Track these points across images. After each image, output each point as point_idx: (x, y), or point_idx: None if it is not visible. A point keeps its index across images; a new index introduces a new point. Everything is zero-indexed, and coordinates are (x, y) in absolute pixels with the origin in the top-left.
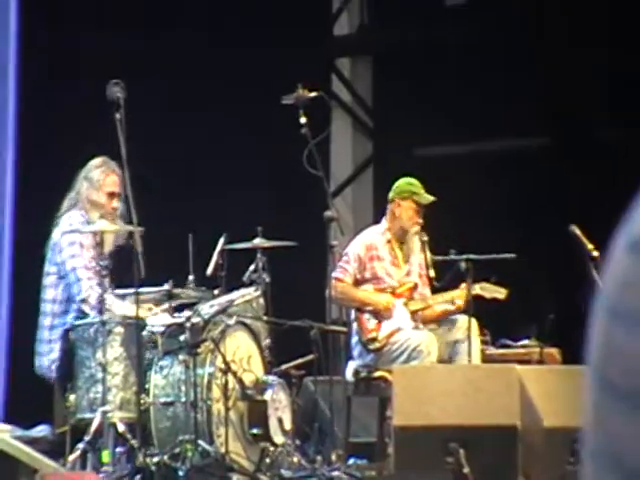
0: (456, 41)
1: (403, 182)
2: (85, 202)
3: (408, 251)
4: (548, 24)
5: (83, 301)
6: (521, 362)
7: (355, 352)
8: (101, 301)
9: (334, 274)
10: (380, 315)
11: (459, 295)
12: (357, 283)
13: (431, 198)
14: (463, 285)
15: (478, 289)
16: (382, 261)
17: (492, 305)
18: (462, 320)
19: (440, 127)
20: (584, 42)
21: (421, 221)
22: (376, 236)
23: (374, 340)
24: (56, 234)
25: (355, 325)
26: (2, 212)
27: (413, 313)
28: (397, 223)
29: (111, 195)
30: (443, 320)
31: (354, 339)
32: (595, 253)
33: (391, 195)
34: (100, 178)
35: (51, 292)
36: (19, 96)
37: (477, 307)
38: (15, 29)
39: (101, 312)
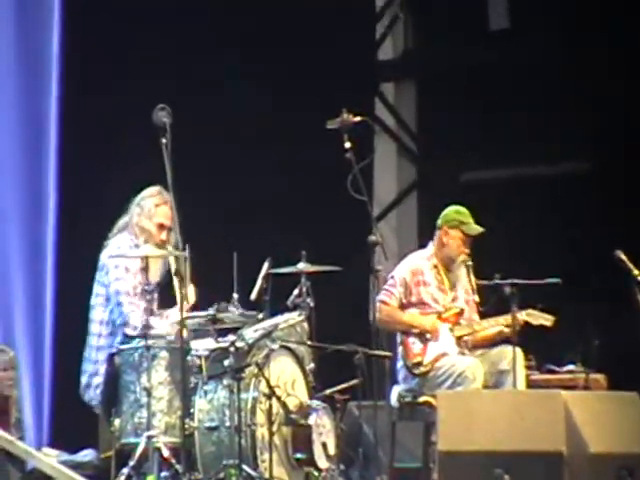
0: (500, 65)
1: (452, 210)
2: (135, 228)
3: (454, 278)
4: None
5: (125, 324)
6: (566, 388)
7: (400, 376)
8: (145, 325)
9: (380, 297)
10: (426, 339)
11: (509, 319)
12: (402, 307)
13: (480, 229)
14: (515, 310)
15: (525, 315)
16: (428, 286)
17: (538, 330)
18: (508, 350)
19: (485, 152)
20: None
21: (468, 251)
22: (422, 261)
23: (419, 364)
24: (104, 256)
25: (400, 349)
26: (45, 232)
27: (459, 338)
28: (444, 251)
29: (161, 227)
30: (488, 349)
31: (399, 363)
32: None
33: (439, 222)
34: (152, 208)
35: (99, 313)
36: (61, 115)
37: (523, 332)
38: (58, 48)
39: (145, 336)
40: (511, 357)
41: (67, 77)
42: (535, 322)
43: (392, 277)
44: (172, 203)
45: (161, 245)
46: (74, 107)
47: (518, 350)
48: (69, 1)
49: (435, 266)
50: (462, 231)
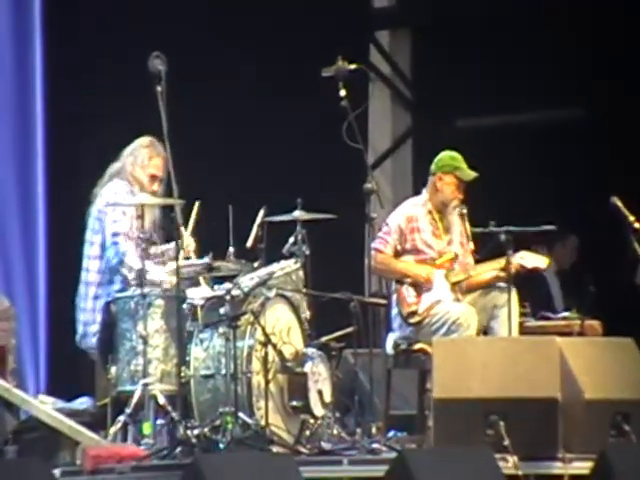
0: (496, 13)
1: (446, 156)
2: (129, 175)
3: (449, 223)
4: None
5: (121, 263)
6: (561, 334)
7: (395, 324)
8: (141, 270)
9: (374, 245)
10: (420, 287)
11: (503, 263)
12: (397, 254)
13: (473, 174)
14: (510, 252)
15: (519, 258)
16: (423, 232)
17: (533, 278)
18: (501, 287)
19: (480, 99)
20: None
21: (462, 196)
22: (416, 208)
23: (414, 313)
24: (100, 203)
25: (395, 297)
26: (35, 182)
27: (454, 284)
28: (438, 196)
29: (153, 177)
30: (484, 290)
31: (394, 311)
32: (637, 225)
33: (433, 168)
34: (145, 158)
35: (95, 262)
36: (46, 65)
37: (518, 279)
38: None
39: (141, 283)
40: (506, 293)
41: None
42: (529, 265)
43: (386, 224)
44: (167, 152)
45: (152, 195)
46: (60, 55)
47: (512, 289)
48: None
49: (429, 212)
50: (456, 176)
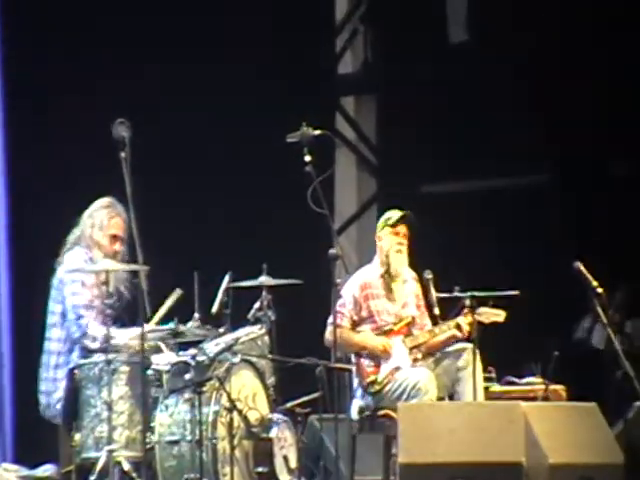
0: (461, 78)
1: (381, 219)
2: (88, 240)
3: (401, 285)
4: (550, 59)
5: (84, 336)
6: (526, 399)
7: (357, 393)
8: (106, 337)
9: (331, 320)
10: (378, 357)
11: (463, 320)
12: (355, 324)
13: (399, 213)
14: (465, 310)
15: (476, 316)
16: (377, 299)
17: (497, 342)
18: (463, 347)
19: (445, 165)
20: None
21: (403, 240)
22: (369, 274)
23: (374, 383)
24: (60, 272)
25: (354, 369)
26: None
27: (412, 348)
28: (383, 254)
29: (114, 238)
30: (446, 350)
31: (355, 381)
32: (599, 290)
33: (375, 237)
34: (105, 219)
35: (56, 331)
36: (8, 126)
37: (482, 343)
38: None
39: (105, 350)
40: (468, 355)
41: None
42: (487, 320)
43: (341, 296)
44: (132, 217)
45: (115, 256)
46: (22, 119)
47: (476, 350)
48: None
49: (381, 276)
50: (389, 225)
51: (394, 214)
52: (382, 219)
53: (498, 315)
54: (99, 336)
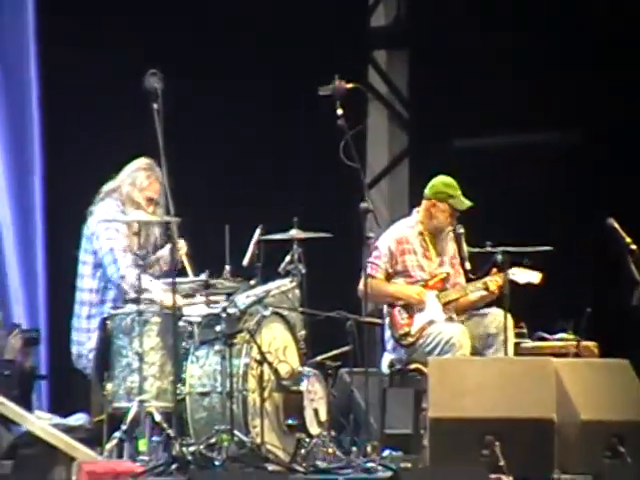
0: (494, 32)
1: (441, 182)
2: (124, 197)
3: (440, 245)
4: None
5: (122, 278)
6: (558, 355)
7: (389, 346)
8: (139, 290)
9: (365, 270)
10: (412, 309)
11: (492, 280)
12: (389, 277)
13: (468, 203)
14: (494, 270)
15: (510, 275)
16: (413, 254)
17: (529, 298)
18: (496, 313)
19: (477, 119)
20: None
21: (455, 222)
22: (407, 229)
23: (407, 335)
24: (92, 222)
25: (387, 320)
26: (33, 200)
27: (446, 304)
28: (432, 222)
29: (150, 200)
30: (477, 312)
31: (387, 334)
32: (633, 246)
33: (428, 193)
34: (144, 181)
35: (88, 281)
36: (43, 83)
37: (514, 299)
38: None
39: (138, 300)
40: (499, 320)
41: (48, 37)
42: (522, 281)
43: (377, 248)
44: (164, 170)
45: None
46: (57, 70)
47: (508, 315)
48: None
49: (420, 233)
50: (450, 204)
51: (460, 196)
52: (444, 187)
53: (534, 277)
54: (135, 283)
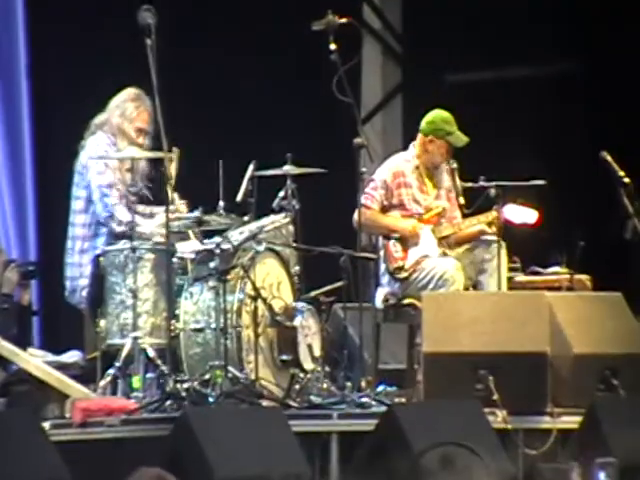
0: None
1: (439, 118)
2: (114, 129)
3: (436, 179)
4: None
5: (110, 217)
6: (551, 289)
7: (383, 280)
8: (131, 223)
9: (361, 201)
10: (407, 242)
11: (487, 217)
12: (384, 210)
13: (465, 140)
14: (493, 208)
15: (506, 213)
16: (409, 188)
17: (522, 231)
18: (490, 240)
19: (470, 53)
20: None
21: (451, 158)
22: (403, 163)
23: (401, 269)
24: (83, 157)
25: (382, 253)
26: (22, 137)
27: (441, 239)
28: (428, 157)
29: (140, 131)
30: (474, 242)
31: (382, 267)
32: (626, 180)
33: (425, 128)
34: (133, 111)
35: (81, 217)
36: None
37: (507, 234)
38: None
39: (131, 236)
40: (494, 247)
41: None
42: (517, 221)
43: (372, 180)
44: (157, 106)
45: (140, 148)
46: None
47: (502, 245)
48: None
49: (417, 167)
50: (447, 141)
51: (458, 133)
52: (442, 124)
53: (529, 216)
54: (124, 220)
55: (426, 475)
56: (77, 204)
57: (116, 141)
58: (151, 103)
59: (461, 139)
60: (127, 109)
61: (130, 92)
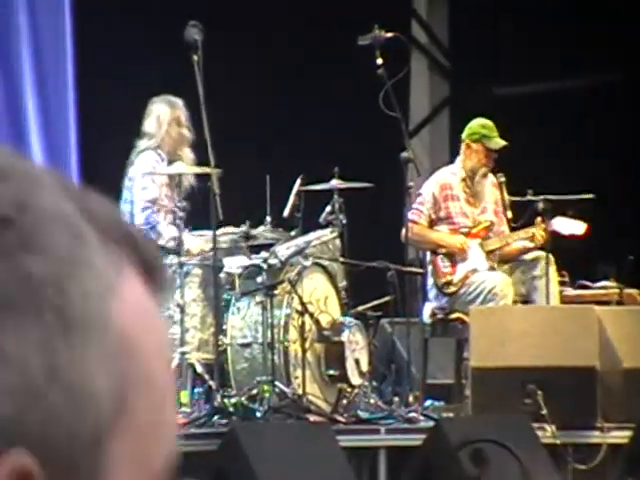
0: None
1: (476, 124)
2: (159, 143)
3: (482, 191)
4: None
5: (151, 228)
6: (600, 303)
7: (431, 295)
8: (177, 240)
9: (409, 216)
10: (455, 257)
11: (535, 230)
12: (432, 224)
13: (502, 143)
14: (538, 219)
15: (554, 225)
16: (457, 200)
17: (571, 245)
18: (539, 257)
19: (517, 66)
20: None
21: (491, 164)
22: (450, 175)
23: (449, 284)
24: (131, 171)
25: (430, 268)
26: (69, 154)
27: (489, 253)
28: (467, 164)
29: (183, 143)
30: (521, 259)
31: (429, 282)
32: None
33: (463, 135)
34: (175, 123)
35: None
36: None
37: (555, 247)
38: None
39: (178, 252)
40: (543, 264)
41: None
42: (566, 232)
43: (420, 194)
44: (204, 121)
45: (184, 162)
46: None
47: (551, 257)
48: None
49: (463, 179)
50: (484, 145)
51: (495, 136)
52: (479, 128)
53: (578, 228)
54: (165, 233)
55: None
56: (125, 206)
57: (164, 157)
58: (202, 117)
59: (497, 142)
60: (171, 123)
61: (173, 106)
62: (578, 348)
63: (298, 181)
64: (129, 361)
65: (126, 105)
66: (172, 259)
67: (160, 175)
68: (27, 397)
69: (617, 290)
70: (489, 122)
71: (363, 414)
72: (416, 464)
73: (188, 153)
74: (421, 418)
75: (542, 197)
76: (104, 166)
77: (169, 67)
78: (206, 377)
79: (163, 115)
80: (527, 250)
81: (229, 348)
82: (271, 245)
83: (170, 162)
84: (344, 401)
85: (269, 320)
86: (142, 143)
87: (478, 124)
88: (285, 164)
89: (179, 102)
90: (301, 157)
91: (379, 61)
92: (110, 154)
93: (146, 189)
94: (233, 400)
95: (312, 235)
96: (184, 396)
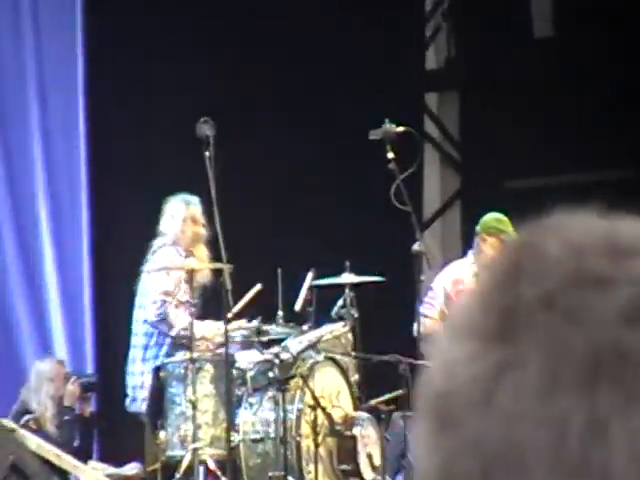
0: (544, 73)
1: (490, 218)
2: (175, 239)
3: None
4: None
5: (161, 321)
6: None
7: None
8: (191, 336)
9: (421, 310)
10: None
11: None
12: (444, 317)
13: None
14: None
15: None
16: None
17: None
18: None
19: (529, 160)
20: None
21: None
22: (462, 270)
23: None
24: (148, 266)
25: None
26: (80, 247)
27: None
28: (482, 258)
29: (198, 239)
30: None
31: None
32: None
33: (478, 229)
34: (189, 220)
35: (144, 326)
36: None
37: None
38: (83, 50)
39: (190, 347)
40: None
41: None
42: None
43: (431, 288)
44: (216, 217)
45: (198, 258)
46: (104, 119)
47: None
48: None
49: (476, 274)
50: (500, 239)
51: (511, 231)
52: (494, 222)
53: None
54: (177, 324)
55: None
56: (139, 313)
57: (181, 253)
58: (213, 213)
59: (513, 232)
60: (186, 219)
61: (187, 203)
62: None
63: (310, 275)
64: None
65: (139, 200)
66: (184, 355)
67: (176, 270)
68: None
69: None
70: (503, 217)
71: None
72: None
73: (203, 250)
74: None
75: None
76: (119, 264)
77: (183, 163)
78: (219, 473)
79: (178, 213)
80: None
81: (241, 444)
82: (283, 340)
83: (186, 258)
84: None
85: (281, 415)
86: (158, 242)
87: (493, 218)
88: (296, 258)
89: (195, 199)
90: (312, 251)
91: (390, 155)
92: (125, 252)
93: (160, 282)
94: None
95: (324, 329)
96: None
